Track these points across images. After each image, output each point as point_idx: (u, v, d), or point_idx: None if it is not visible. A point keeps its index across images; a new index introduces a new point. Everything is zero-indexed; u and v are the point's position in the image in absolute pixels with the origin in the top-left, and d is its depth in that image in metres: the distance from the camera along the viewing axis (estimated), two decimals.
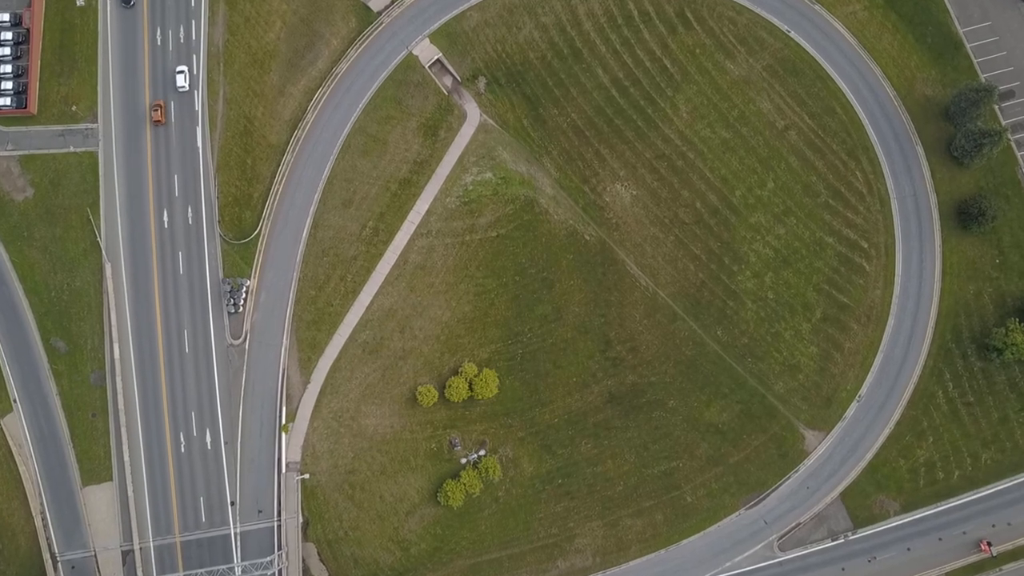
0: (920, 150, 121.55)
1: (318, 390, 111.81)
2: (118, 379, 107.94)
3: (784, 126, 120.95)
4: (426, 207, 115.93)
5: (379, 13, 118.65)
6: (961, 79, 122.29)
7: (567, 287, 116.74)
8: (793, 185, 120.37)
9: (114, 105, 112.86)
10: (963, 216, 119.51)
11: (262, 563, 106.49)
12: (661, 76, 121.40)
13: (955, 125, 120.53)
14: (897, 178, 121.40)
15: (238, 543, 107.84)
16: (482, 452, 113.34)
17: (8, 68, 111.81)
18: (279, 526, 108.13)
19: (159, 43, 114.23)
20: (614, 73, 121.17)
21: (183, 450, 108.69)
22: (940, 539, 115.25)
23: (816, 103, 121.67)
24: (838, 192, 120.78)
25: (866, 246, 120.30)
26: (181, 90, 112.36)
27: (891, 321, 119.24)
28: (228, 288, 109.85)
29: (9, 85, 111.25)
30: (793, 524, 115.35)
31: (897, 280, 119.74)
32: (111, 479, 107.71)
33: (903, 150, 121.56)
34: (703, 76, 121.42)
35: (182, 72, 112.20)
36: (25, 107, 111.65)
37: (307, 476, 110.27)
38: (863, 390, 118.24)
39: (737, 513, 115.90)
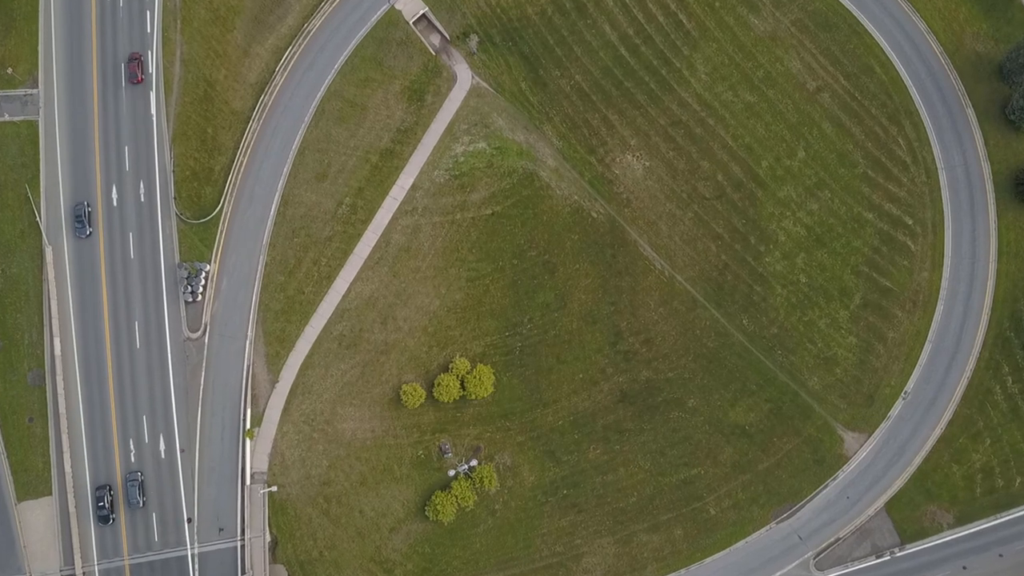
0: (971, 113, 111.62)
1: (288, 390, 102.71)
2: (59, 378, 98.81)
3: (816, 88, 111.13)
4: (411, 181, 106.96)
5: None
6: (1016, 33, 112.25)
7: (572, 271, 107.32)
8: (827, 154, 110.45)
9: (57, 69, 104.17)
10: (1021, 188, 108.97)
11: None
12: (676, 33, 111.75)
13: (1011, 85, 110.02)
14: (945, 145, 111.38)
15: (196, 566, 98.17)
16: (475, 461, 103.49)
17: None
18: (243, 546, 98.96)
19: None
20: (623, 29, 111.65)
21: (133, 459, 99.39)
22: (1000, 555, 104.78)
23: (852, 62, 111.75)
24: (878, 162, 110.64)
25: (911, 223, 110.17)
26: None
27: (940, 307, 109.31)
28: (185, 274, 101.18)
29: None
30: (832, 539, 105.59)
31: (946, 261, 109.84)
32: (50, 493, 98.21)
33: (951, 114, 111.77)
34: (724, 32, 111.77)
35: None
36: None
37: (275, 488, 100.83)
38: (909, 386, 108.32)
39: (767, 527, 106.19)
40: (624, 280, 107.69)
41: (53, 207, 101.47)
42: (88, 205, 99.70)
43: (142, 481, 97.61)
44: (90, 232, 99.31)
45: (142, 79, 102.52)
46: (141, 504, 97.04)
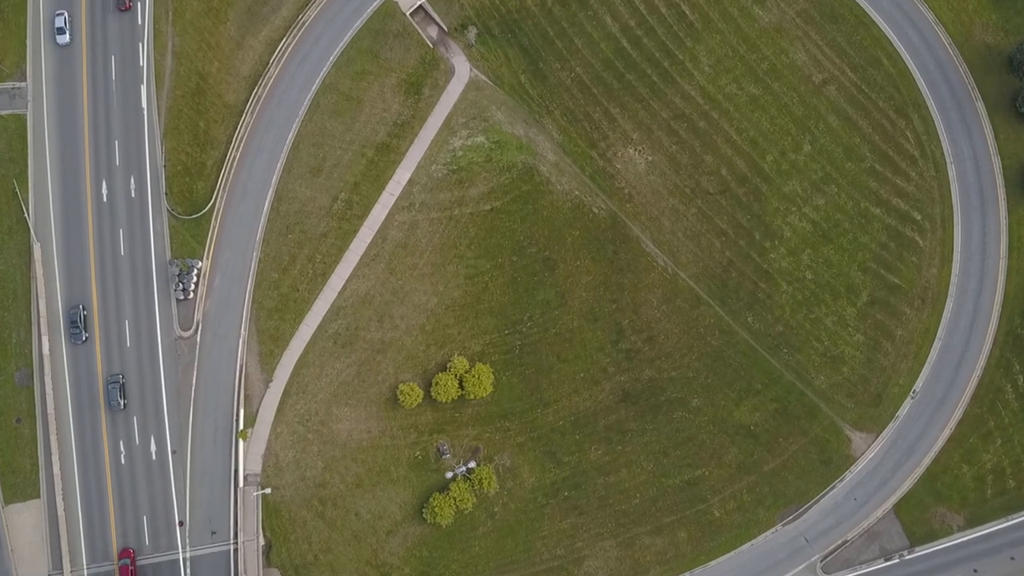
0: (980, 106, 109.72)
1: (282, 390, 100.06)
2: (47, 378, 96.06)
3: (822, 80, 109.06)
4: (408, 176, 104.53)
5: None
6: None
7: (573, 268, 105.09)
8: (833, 148, 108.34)
9: (45, 61, 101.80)
10: None
11: None
12: (679, 24, 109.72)
13: (1021, 77, 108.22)
14: (954, 139, 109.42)
15: (188, 570, 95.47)
16: (473, 463, 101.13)
17: None
18: (236, 549, 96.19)
19: None
20: (624, 21, 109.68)
21: (123, 461, 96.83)
22: (1012, 558, 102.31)
23: (859, 53, 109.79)
24: (886, 156, 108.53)
25: (919, 218, 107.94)
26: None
27: (950, 304, 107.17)
28: (176, 271, 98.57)
29: None
30: (839, 542, 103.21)
31: (956, 257, 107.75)
32: (39, 496, 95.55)
33: (960, 106, 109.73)
34: (727, 23, 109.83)
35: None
36: None
37: (269, 491, 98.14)
38: (918, 384, 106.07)
39: (773, 529, 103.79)
40: (626, 277, 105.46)
41: (41, 203, 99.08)
42: (84, 309, 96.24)
43: (123, 383, 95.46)
44: (86, 338, 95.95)
45: (130, 6, 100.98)
46: (122, 407, 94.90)
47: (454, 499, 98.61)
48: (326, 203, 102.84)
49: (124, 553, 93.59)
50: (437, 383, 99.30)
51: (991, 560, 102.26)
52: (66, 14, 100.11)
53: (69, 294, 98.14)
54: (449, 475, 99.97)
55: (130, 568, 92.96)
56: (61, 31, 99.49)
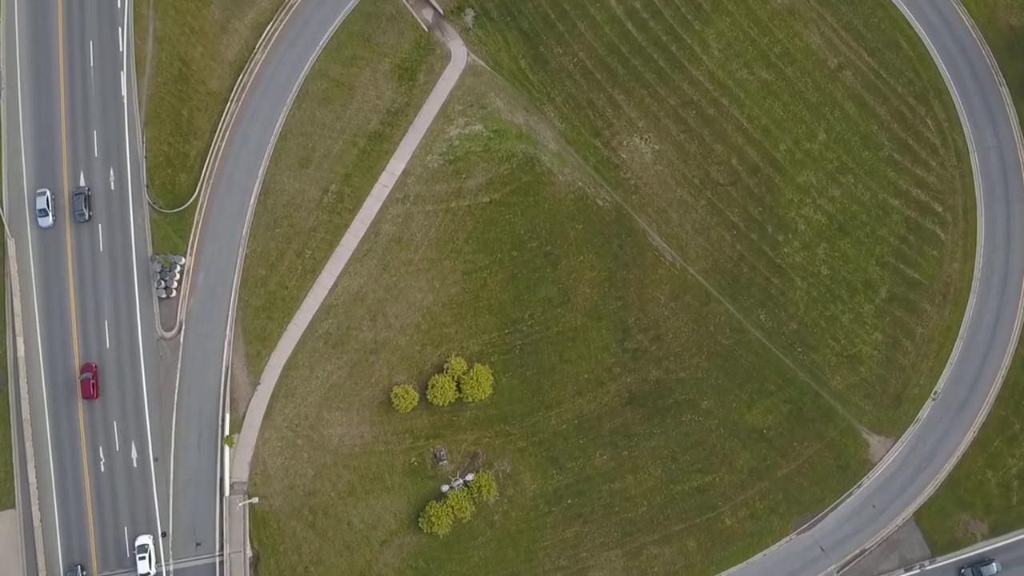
0: (1005, 91, 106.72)
1: (270, 393, 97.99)
2: (23, 381, 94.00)
3: (837, 65, 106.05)
4: (402, 167, 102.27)
5: None
6: None
7: (576, 264, 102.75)
8: (850, 136, 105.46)
9: (20, 46, 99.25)
10: None
11: None
12: (687, 6, 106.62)
13: None
14: (977, 126, 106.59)
15: None
16: (469, 476, 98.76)
17: None
18: (222, 562, 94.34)
19: None
20: (629, 3, 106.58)
21: (103, 469, 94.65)
22: None
23: (876, 36, 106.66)
24: (905, 144, 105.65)
25: (940, 210, 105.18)
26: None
27: (972, 301, 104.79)
28: (158, 267, 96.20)
29: None
30: (856, 551, 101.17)
31: (979, 251, 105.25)
32: (14, 505, 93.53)
33: (984, 92, 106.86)
34: (738, 5, 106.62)
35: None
36: None
37: (256, 499, 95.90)
38: (939, 385, 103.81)
39: (787, 538, 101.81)
40: (632, 272, 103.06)
41: (16, 196, 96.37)
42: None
43: (88, 195, 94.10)
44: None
45: None
46: (87, 218, 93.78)
47: (452, 507, 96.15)
48: (316, 195, 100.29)
49: (86, 368, 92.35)
50: (433, 385, 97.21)
51: (1018, 570, 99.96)
52: (48, 193, 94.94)
53: (45, 292, 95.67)
54: (444, 488, 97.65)
55: (91, 382, 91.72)
56: (43, 212, 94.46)
